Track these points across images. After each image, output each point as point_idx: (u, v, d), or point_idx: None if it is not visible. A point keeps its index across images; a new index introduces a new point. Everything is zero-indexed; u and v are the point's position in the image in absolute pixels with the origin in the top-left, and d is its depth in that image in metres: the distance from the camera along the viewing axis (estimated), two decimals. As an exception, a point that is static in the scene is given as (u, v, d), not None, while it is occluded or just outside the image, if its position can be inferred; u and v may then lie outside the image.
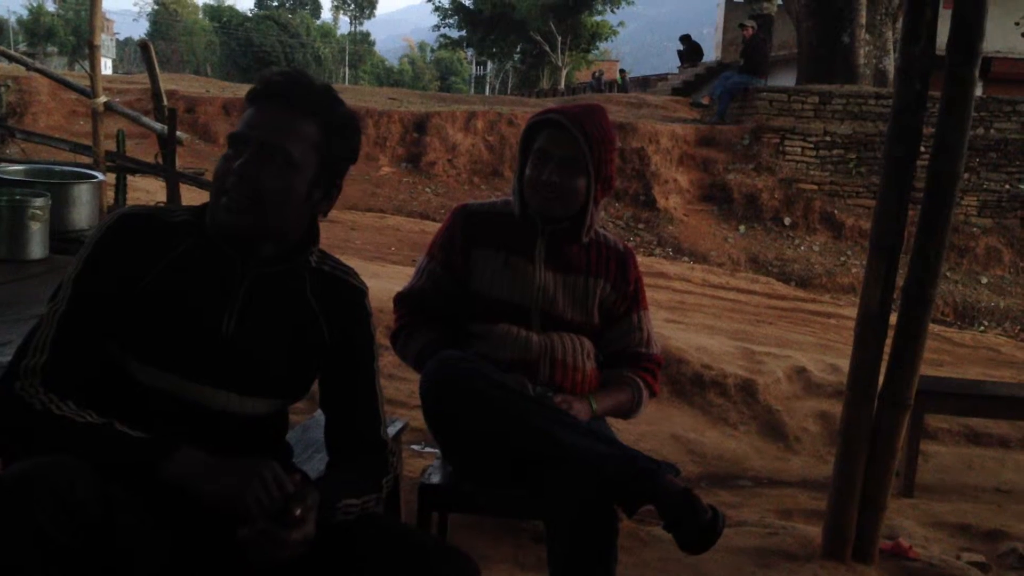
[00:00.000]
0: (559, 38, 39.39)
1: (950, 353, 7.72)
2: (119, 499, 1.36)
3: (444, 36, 46.62)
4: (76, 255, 1.55)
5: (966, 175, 11.67)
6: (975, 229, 12.22)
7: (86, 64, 5.78)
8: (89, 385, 1.50)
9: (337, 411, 1.72)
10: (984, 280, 11.56)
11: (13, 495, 1.28)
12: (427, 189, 12.75)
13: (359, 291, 1.70)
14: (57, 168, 4.14)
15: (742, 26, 15.01)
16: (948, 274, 11.18)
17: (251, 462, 1.45)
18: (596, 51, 45.10)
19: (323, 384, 1.72)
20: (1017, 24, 11.76)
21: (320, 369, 1.69)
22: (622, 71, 31.28)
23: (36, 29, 55.87)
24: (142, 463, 1.41)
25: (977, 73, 2.60)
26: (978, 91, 9.89)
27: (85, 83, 6.01)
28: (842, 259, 11.66)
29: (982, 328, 10.26)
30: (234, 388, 1.57)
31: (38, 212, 3.09)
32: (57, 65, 42.70)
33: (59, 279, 1.55)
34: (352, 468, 1.67)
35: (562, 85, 36.10)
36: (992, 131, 13.23)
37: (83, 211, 3.49)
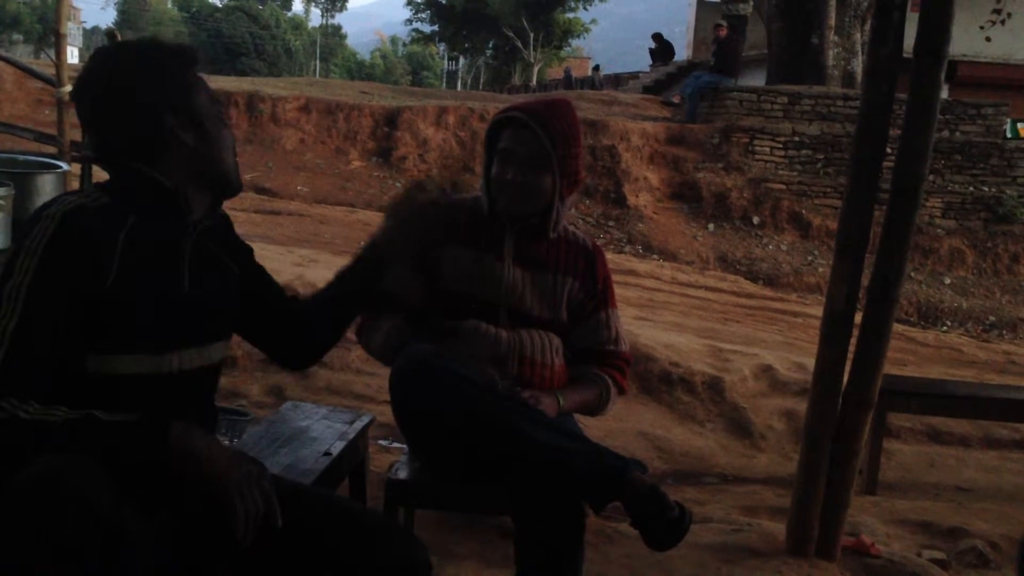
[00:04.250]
0: (531, 34, 39.43)
1: (913, 353, 7.82)
2: (126, 501, 1.34)
3: (416, 30, 46.55)
4: (15, 263, 1.46)
5: (931, 177, 11.83)
6: (939, 230, 12.39)
7: (52, 52, 5.69)
8: (43, 390, 1.45)
9: (270, 313, 1.84)
10: (947, 281, 11.72)
11: (41, 503, 1.25)
12: (398, 184, 12.70)
13: (226, 216, 1.79)
14: (21, 158, 4.08)
15: (718, 26, 15.10)
16: (912, 275, 11.31)
17: (252, 465, 1.46)
18: (568, 48, 45.19)
19: (249, 307, 1.80)
20: (982, 28, 11.91)
21: (242, 298, 1.78)
22: (595, 67, 31.26)
23: (1, 17, 54.99)
24: (144, 443, 1.40)
25: (943, 76, 2.63)
26: (944, 94, 10.02)
27: (51, 72, 5.92)
28: (809, 258, 11.78)
29: (945, 328, 10.41)
30: (194, 343, 1.62)
31: (1, 202, 3.04)
32: (22, 53, 42.04)
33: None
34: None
35: (534, 81, 36.13)
36: (957, 134, 13.42)
37: (47, 201, 3.43)
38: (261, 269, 1.86)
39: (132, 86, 1.57)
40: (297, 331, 1.85)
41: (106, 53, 1.64)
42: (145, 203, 1.58)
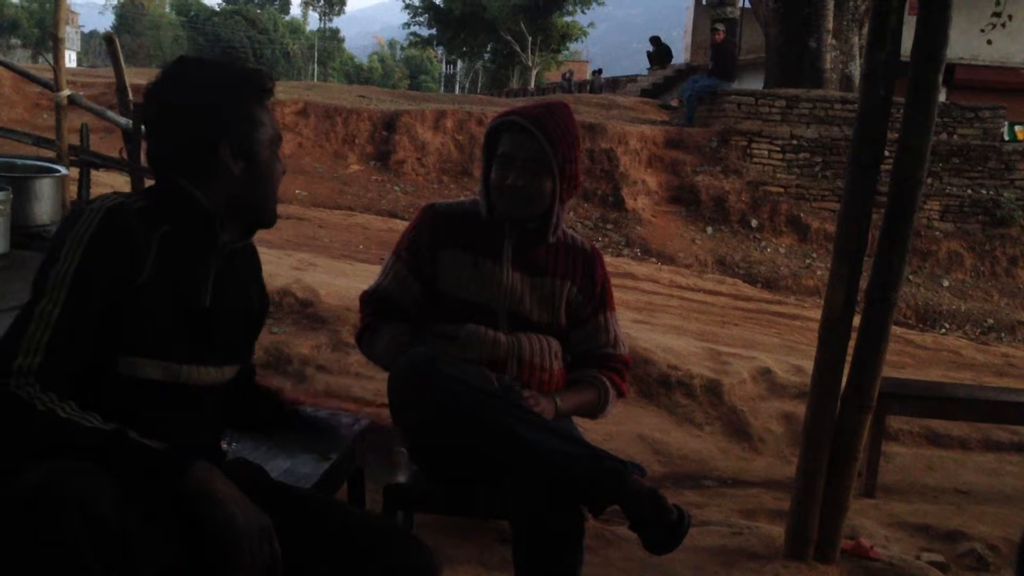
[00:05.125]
0: (529, 38, 39.43)
1: (912, 355, 7.82)
2: (130, 505, 1.35)
3: (414, 34, 46.53)
4: (60, 252, 1.50)
5: (929, 180, 11.83)
6: (937, 233, 12.39)
7: (50, 57, 5.69)
8: (79, 384, 1.47)
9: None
10: (946, 283, 11.72)
11: (41, 507, 1.26)
12: (396, 187, 12.70)
13: (254, 248, 1.81)
14: (19, 162, 4.07)
15: (715, 30, 15.13)
16: (911, 277, 11.32)
17: (265, 520, 1.47)
18: (566, 52, 45.22)
19: None
20: (983, 31, 11.91)
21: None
22: (597, 71, 31.16)
23: (-1, 21, 54.99)
24: (165, 473, 1.41)
25: (941, 80, 2.64)
26: (941, 97, 10.03)
27: (49, 76, 5.92)
28: (807, 261, 11.78)
29: (943, 331, 10.41)
30: (211, 361, 1.64)
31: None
32: (20, 57, 42.07)
33: (21, 275, 1.52)
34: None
35: (532, 85, 36.14)
36: (955, 137, 13.42)
37: (45, 206, 3.44)
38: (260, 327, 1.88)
39: (198, 108, 1.60)
40: (238, 400, 1.83)
41: (185, 66, 1.66)
42: (180, 216, 1.60)
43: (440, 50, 53.03)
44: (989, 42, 12.32)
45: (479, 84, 51.21)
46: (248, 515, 1.44)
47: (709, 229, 12.29)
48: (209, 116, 1.60)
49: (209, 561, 1.46)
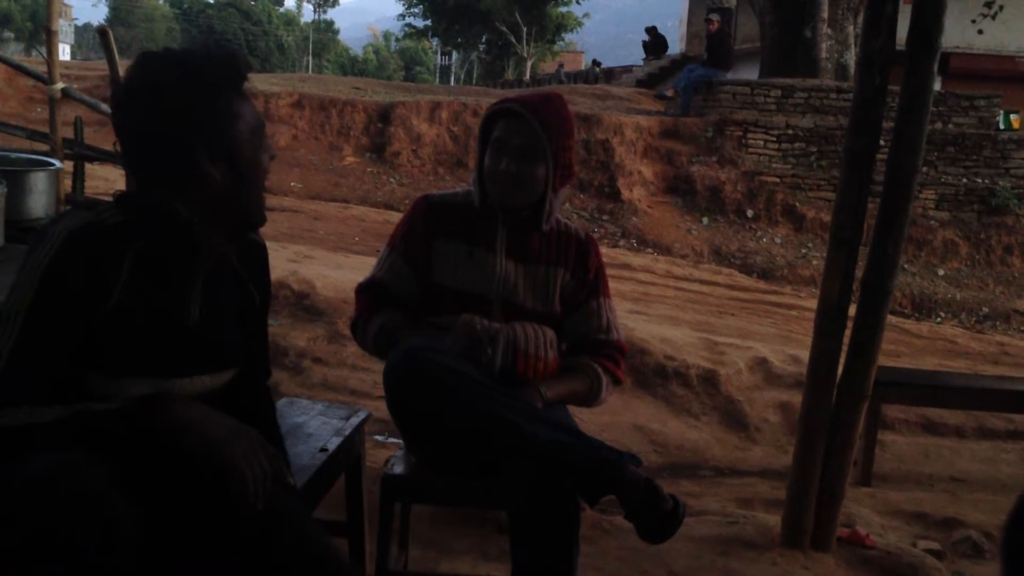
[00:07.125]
0: (524, 29, 39.36)
1: (907, 344, 7.83)
2: (126, 492, 1.33)
3: (409, 25, 46.46)
4: (21, 279, 1.44)
5: (924, 169, 11.83)
6: (933, 222, 12.40)
7: (43, 50, 5.68)
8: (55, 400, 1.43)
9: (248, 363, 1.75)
10: (941, 272, 11.74)
11: (39, 500, 1.25)
12: (391, 179, 12.69)
13: (263, 246, 1.75)
14: (13, 155, 4.06)
15: (708, 20, 15.11)
16: (906, 266, 11.33)
17: (254, 433, 1.46)
18: (561, 42, 45.17)
19: None
20: (974, 22, 11.92)
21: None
22: (596, 62, 31.04)
23: (-9, 14, 54.77)
24: (141, 421, 1.40)
25: (936, 68, 2.64)
26: (937, 86, 10.03)
27: (42, 69, 5.91)
28: (803, 251, 11.79)
29: (939, 320, 10.43)
30: (205, 370, 1.59)
31: (-6, 200, 3.03)
32: (14, 51, 41.91)
33: (15, 269, 1.49)
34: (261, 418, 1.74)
35: (527, 76, 36.10)
36: (950, 126, 13.42)
37: (40, 199, 3.43)
38: (262, 325, 1.79)
39: (166, 115, 1.47)
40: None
41: (148, 65, 1.51)
42: (157, 229, 1.52)
43: (435, 41, 52.88)
44: (980, 32, 12.33)
45: (474, 75, 51.15)
46: (233, 431, 1.43)
47: (705, 219, 12.29)
48: (179, 123, 1.47)
49: (209, 509, 1.45)
